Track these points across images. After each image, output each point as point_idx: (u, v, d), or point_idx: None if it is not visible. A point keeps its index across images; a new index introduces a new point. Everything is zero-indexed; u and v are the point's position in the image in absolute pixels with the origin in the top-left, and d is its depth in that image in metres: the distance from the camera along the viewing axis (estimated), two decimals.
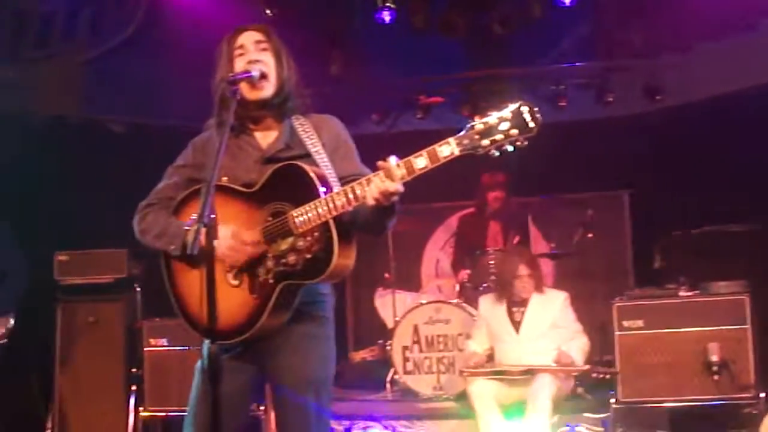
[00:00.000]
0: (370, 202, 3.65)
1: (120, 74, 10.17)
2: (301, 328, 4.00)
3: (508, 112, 3.54)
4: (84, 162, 9.51)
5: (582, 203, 10.36)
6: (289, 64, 4.12)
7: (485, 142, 3.53)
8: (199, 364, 4.01)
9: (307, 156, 4.00)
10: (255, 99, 4.01)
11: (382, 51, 11.00)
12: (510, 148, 3.55)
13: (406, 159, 3.60)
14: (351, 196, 3.69)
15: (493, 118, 3.55)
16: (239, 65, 4.01)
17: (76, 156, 9.54)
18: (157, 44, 10.07)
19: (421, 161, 3.58)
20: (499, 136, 3.53)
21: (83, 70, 10.37)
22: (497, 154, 3.57)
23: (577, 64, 10.87)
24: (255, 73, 3.93)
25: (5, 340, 7.77)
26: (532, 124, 3.52)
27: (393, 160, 3.62)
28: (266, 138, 4.13)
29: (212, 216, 3.40)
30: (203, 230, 3.36)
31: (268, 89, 4.03)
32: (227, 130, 3.69)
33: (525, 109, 3.53)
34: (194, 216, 3.46)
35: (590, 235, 9.51)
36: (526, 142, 3.54)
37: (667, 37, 10.42)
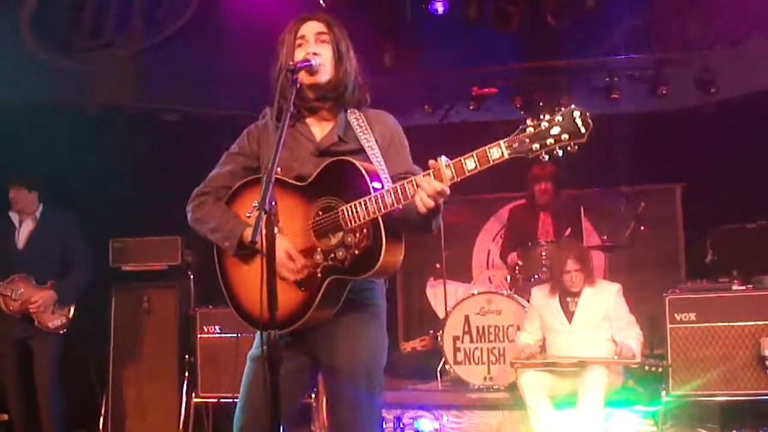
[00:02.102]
0: (418, 202, 3.66)
1: (173, 64, 10.25)
2: (352, 315, 4.02)
3: (559, 116, 3.50)
4: (138, 151, 9.61)
5: (634, 196, 10.35)
6: (348, 56, 4.13)
7: (535, 146, 3.52)
8: (251, 352, 4.10)
9: (360, 151, 4.03)
10: (310, 83, 4.02)
11: (435, 42, 11.00)
12: (560, 153, 3.53)
13: (455, 160, 3.62)
14: (400, 194, 3.71)
15: (544, 122, 3.52)
16: (299, 56, 4.03)
17: (131, 145, 9.64)
18: (210, 34, 10.15)
19: (470, 163, 3.59)
20: (549, 141, 3.51)
21: (137, 60, 10.46)
22: (547, 158, 3.56)
23: (630, 56, 10.81)
24: (314, 62, 3.95)
25: (64, 330, 7.95)
26: (583, 130, 3.48)
27: (443, 160, 3.63)
28: (321, 129, 4.15)
29: (273, 203, 3.42)
30: (264, 218, 3.39)
31: (323, 75, 4.03)
32: (287, 119, 3.70)
33: (577, 114, 3.48)
34: (255, 203, 3.44)
35: (642, 228, 9.49)
36: (576, 147, 3.51)
37: (720, 29, 10.35)
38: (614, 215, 10.24)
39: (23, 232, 8.13)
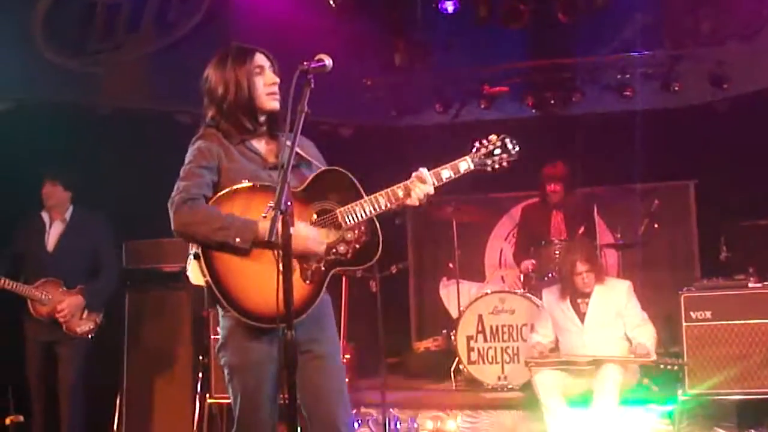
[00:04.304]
0: (415, 202, 4.37)
1: (185, 65, 10.23)
2: (323, 309, 4.45)
3: (499, 141, 4.55)
4: (151, 152, 9.60)
5: (648, 193, 10.34)
6: None
7: (488, 161, 4.54)
8: (232, 359, 4.42)
9: (309, 163, 4.51)
10: (270, 109, 4.43)
11: (446, 41, 10.99)
12: (497, 167, 4.55)
13: (435, 170, 4.44)
14: (392, 196, 4.39)
15: (490, 144, 4.55)
16: (259, 82, 4.41)
17: (143, 146, 9.63)
18: (222, 35, 10.13)
19: (446, 172, 4.47)
20: (495, 158, 4.54)
21: (149, 62, 10.46)
22: (490, 170, 4.55)
23: (642, 52, 10.77)
24: (327, 62, 4.10)
25: (93, 335, 7.94)
26: (513, 151, 4.56)
27: (425, 170, 4.39)
28: (267, 148, 4.52)
29: (289, 203, 3.72)
30: (280, 217, 3.67)
31: (277, 104, 4.44)
32: (301, 120, 3.95)
33: (508, 140, 4.57)
34: (271, 204, 3.80)
35: (656, 226, 9.46)
36: (511, 163, 4.57)
37: (733, 24, 10.31)
38: (628, 213, 10.20)
39: (53, 234, 8.05)
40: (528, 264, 9.36)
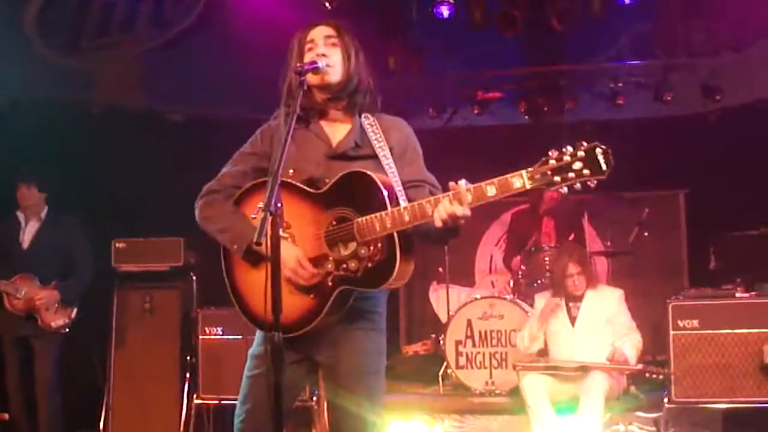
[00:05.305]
0: (438, 223, 3.68)
1: (179, 65, 10.25)
2: (354, 323, 4.04)
3: (582, 151, 3.49)
4: (142, 151, 9.60)
5: (638, 202, 10.33)
6: (358, 60, 4.15)
7: (557, 178, 3.50)
8: (252, 350, 4.14)
9: (374, 157, 4.06)
10: (319, 84, 4.05)
11: (440, 45, 11.00)
12: (578, 186, 3.52)
13: (476, 185, 3.63)
14: (418, 212, 3.72)
15: (567, 155, 3.51)
16: (308, 58, 4.06)
17: (135, 145, 9.63)
18: (216, 35, 10.15)
19: (491, 189, 3.60)
20: (571, 174, 3.49)
21: (143, 61, 10.47)
22: (566, 190, 3.54)
23: (635, 62, 10.81)
24: (320, 64, 3.97)
25: (67, 330, 7.97)
26: (604, 167, 3.47)
27: (463, 184, 3.63)
28: (335, 132, 4.17)
29: (279, 205, 3.45)
30: (269, 220, 3.40)
31: (333, 76, 4.05)
32: (293, 121, 3.74)
33: (599, 151, 3.48)
34: (261, 205, 3.48)
35: (646, 234, 9.49)
36: (595, 183, 3.50)
37: (726, 36, 10.35)
38: (617, 221, 10.21)
39: (28, 232, 8.18)
40: (516, 262, 9.38)
